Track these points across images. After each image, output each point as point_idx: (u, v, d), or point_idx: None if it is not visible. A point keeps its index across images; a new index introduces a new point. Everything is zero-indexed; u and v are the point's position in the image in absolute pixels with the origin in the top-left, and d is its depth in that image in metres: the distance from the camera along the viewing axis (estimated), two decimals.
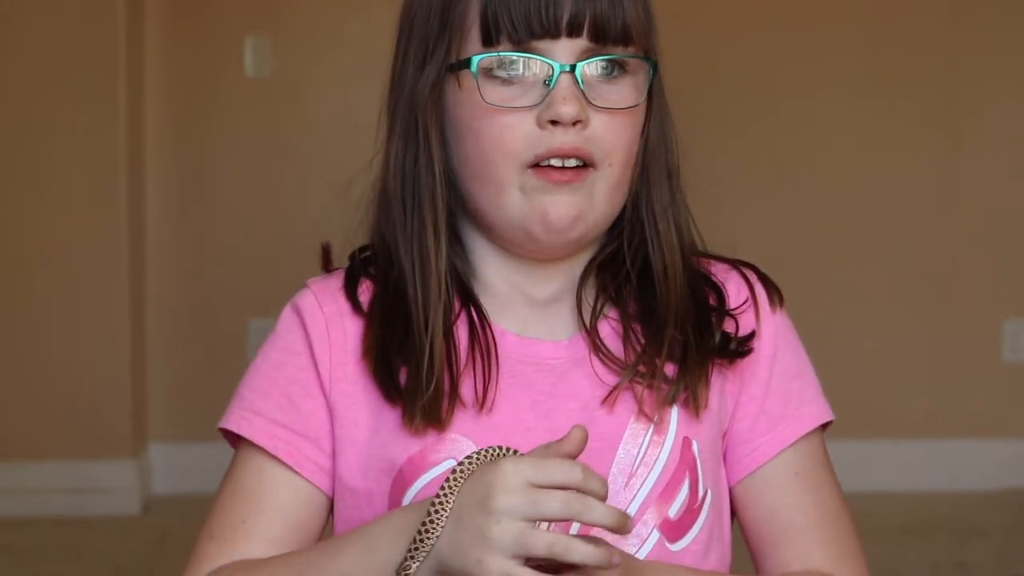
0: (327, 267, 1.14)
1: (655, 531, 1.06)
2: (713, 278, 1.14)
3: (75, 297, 3.69)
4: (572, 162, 1.04)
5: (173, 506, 3.64)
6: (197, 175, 3.93)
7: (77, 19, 3.64)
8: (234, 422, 1.09)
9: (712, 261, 1.16)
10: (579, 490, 0.91)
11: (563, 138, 1.03)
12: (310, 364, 1.08)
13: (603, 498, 0.92)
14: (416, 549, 0.94)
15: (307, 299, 1.10)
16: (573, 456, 0.93)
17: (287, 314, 1.11)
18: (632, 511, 1.06)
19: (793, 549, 1.09)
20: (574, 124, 1.03)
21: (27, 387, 3.70)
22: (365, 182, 1.13)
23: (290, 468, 1.07)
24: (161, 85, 3.87)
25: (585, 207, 1.05)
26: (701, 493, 1.08)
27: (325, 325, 1.08)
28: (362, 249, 1.13)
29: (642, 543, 1.06)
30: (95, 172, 3.67)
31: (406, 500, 1.05)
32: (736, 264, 1.17)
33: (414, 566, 0.94)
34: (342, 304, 1.09)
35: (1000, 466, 3.92)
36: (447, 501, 0.94)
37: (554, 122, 1.03)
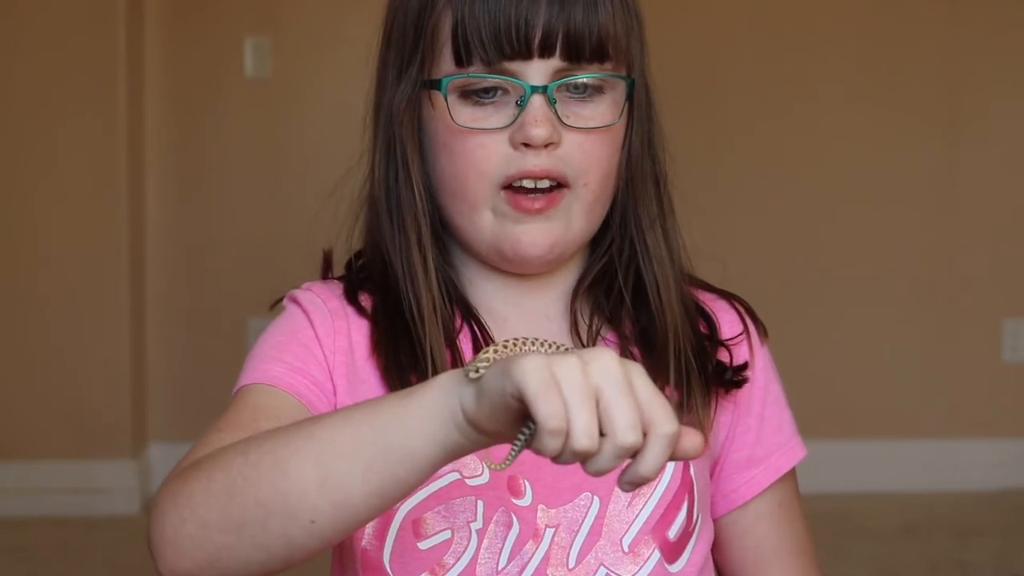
0: (326, 275, 1.14)
1: (656, 551, 1.06)
2: (704, 307, 1.14)
3: (75, 297, 3.70)
4: (545, 183, 1.03)
5: None
6: (197, 175, 3.93)
7: (77, 19, 3.65)
8: (250, 377, 1.03)
9: (699, 290, 1.16)
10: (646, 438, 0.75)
11: (535, 160, 1.02)
12: (314, 339, 1.06)
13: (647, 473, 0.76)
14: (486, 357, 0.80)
15: (307, 294, 1.10)
16: (683, 447, 0.77)
17: (287, 304, 1.11)
18: (634, 531, 1.06)
19: None
20: (546, 146, 1.02)
21: (27, 387, 3.71)
22: (355, 184, 1.12)
23: (305, 406, 1.02)
24: (161, 85, 3.88)
25: (560, 232, 1.05)
26: (695, 517, 1.08)
27: (330, 316, 1.07)
28: (358, 255, 1.13)
29: (644, 562, 1.06)
30: (95, 172, 3.68)
31: (401, 514, 1.04)
32: (726, 295, 1.17)
33: (483, 368, 0.78)
34: (347, 306, 1.09)
35: (1000, 466, 3.92)
36: (516, 345, 0.82)
37: (526, 144, 1.02)
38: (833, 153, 3.94)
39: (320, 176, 3.68)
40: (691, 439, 0.76)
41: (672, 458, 0.75)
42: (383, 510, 0.84)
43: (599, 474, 0.75)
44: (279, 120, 3.92)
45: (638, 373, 0.75)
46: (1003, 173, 3.96)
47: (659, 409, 0.74)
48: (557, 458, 0.75)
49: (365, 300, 1.09)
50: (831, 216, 3.95)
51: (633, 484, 0.76)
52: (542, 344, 0.84)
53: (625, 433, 0.73)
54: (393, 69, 1.08)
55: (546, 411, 0.72)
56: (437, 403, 0.79)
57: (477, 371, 0.78)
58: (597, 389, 0.74)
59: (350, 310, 1.08)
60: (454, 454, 0.80)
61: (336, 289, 1.10)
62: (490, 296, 1.10)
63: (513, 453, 0.79)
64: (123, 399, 3.72)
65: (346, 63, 3.76)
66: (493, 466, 0.82)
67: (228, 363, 3.81)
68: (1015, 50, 3.95)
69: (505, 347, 0.82)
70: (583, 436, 0.73)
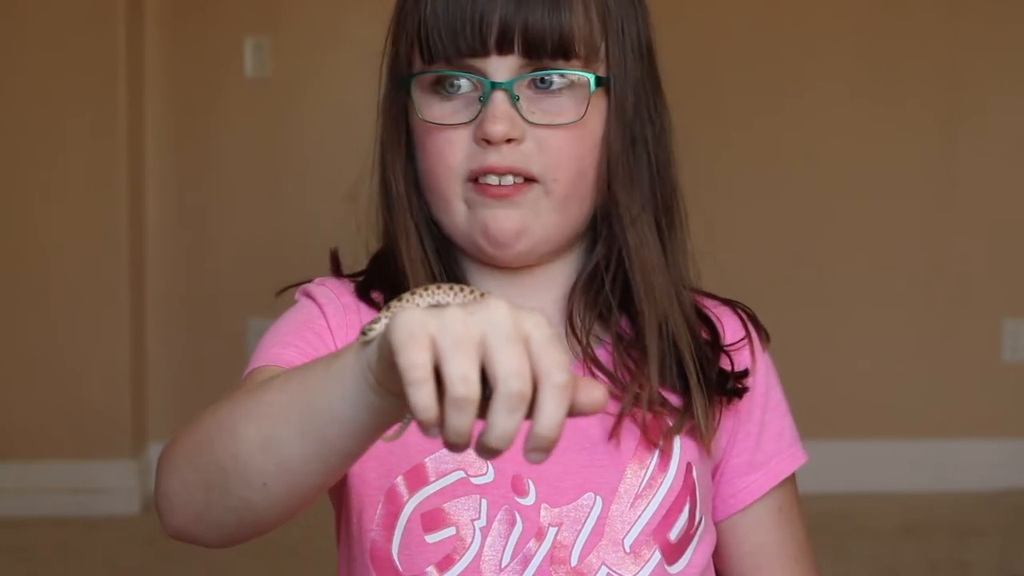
0: (336, 273, 1.14)
1: (657, 552, 1.06)
2: (706, 312, 1.14)
3: (75, 297, 3.70)
4: (509, 179, 1.04)
5: None
6: (197, 175, 3.93)
7: (77, 19, 3.65)
8: (261, 360, 1.03)
9: (703, 297, 1.16)
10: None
11: (496, 157, 1.03)
12: (327, 329, 1.07)
13: (548, 435, 0.69)
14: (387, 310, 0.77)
15: (320, 288, 1.11)
16: (580, 401, 0.70)
17: (299, 297, 1.11)
18: (636, 532, 1.06)
19: None
20: (508, 142, 1.02)
21: (27, 387, 3.71)
22: (372, 186, 1.14)
23: None
24: (161, 85, 3.88)
25: (529, 221, 1.05)
26: (697, 519, 1.09)
27: (343, 310, 1.08)
28: (375, 256, 1.13)
29: (645, 563, 1.06)
30: (95, 172, 3.68)
31: (410, 507, 1.04)
32: (730, 303, 1.17)
33: (377, 326, 0.76)
34: (359, 302, 1.10)
35: (1000, 466, 3.92)
36: (423, 294, 0.78)
37: (487, 140, 1.02)
38: (831, 149, 3.94)
39: (320, 176, 3.68)
40: (588, 392, 0.70)
41: (571, 414, 0.69)
42: (332, 475, 0.82)
43: (501, 442, 0.68)
44: (279, 120, 3.92)
45: (534, 324, 0.69)
46: (1002, 169, 3.96)
47: (551, 359, 0.68)
48: (447, 433, 0.68)
49: (377, 297, 1.10)
50: (829, 213, 3.95)
51: (538, 451, 0.68)
52: (449, 289, 0.78)
53: (509, 380, 0.67)
54: (387, 73, 1.10)
55: (405, 361, 0.67)
56: (351, 364, 0.76)
57: (364, 334, 0.75)
58: (482, 339, 0.68)
59: (362, 306, 1.09)
60: (380, 416, 0.76)
61: (348, 286, 1.11)
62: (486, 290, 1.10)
63: (404, 424, 0.75)
64: (123, 399, 3.72)
65: (346, 63, 3.77)
66: (384, 438, 0.78)
67: (228, 363, 3.83)
68: (1014, 46, 3.95)
69: (413, 296, 0.77)
70: (459, 383, 0.67)
